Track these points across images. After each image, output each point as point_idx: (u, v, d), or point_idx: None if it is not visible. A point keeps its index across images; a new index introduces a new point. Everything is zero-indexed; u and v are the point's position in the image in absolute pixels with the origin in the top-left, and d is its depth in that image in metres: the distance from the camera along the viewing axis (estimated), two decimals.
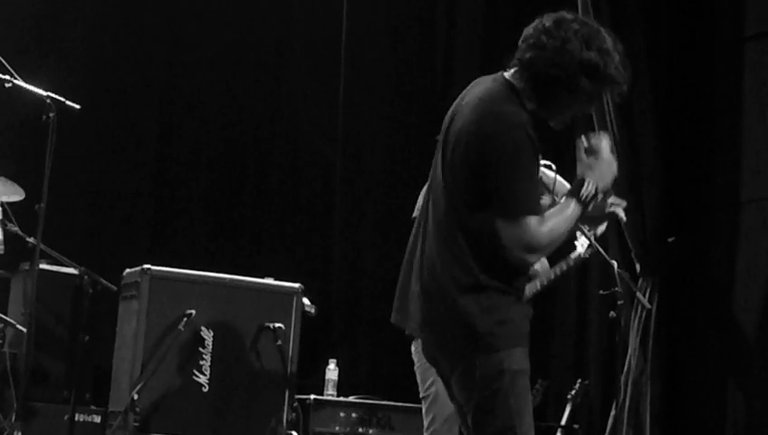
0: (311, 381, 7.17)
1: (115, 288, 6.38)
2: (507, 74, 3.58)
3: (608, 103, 6.84)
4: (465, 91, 3.67)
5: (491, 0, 8.37)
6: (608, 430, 6.65)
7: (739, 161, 6.70)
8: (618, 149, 6.82)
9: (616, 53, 3.55)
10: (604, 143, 3.62)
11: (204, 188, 8.52)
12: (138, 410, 5.97)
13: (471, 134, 3.48)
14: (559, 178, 4.31)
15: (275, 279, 6.56)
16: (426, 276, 3.61)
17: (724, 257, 6.69)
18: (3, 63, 5.53)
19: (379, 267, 8.37)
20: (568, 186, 3.73)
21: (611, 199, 3.83)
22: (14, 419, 5.62)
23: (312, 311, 6.53)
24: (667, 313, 6.76)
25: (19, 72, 5.55)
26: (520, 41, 3.56)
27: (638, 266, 6.81)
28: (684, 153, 6.90)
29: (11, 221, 6.09)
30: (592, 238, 5.37)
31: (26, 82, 5.56)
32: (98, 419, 6.51)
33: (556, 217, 3.51)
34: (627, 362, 6.70)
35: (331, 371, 7.09)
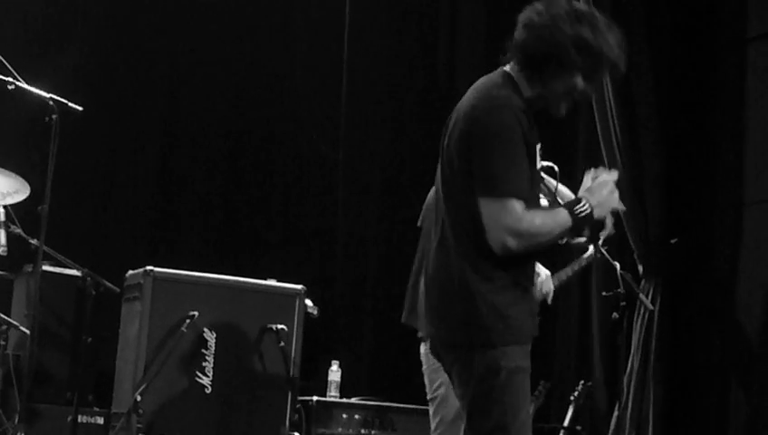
0: (313, 382, 7.18)
1: (118, 290, 6.38)
2: (506, 67, 3.61)
3: (610, 104, 6.84)
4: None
5: (493, 1, 8.37)
6: (611, 432, 6.65)
7: (742, 163, 6.70)
8: (620, 150, 6.83)
9: (611, 33, 3.53)
10: (611, 178, 3.61)
11: (207, 190, 8.53)
12: (140, 411, 5.97)
13: (462, 119, 3.51)
14: (561, 186, 4.28)
15: (278, 281, 6.56)
16: (428, 270, 3.63)
17: (727, 259, 6.69)
18: (5, 65, 5.53)
19: (381, 269, 8.38)
20: (571, 194, 3.72)
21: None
22: (17, 420, 5.62)
23: (315, 312, 6.52)
24: (670, 314, 6.76)
25: (22, 74, 5.55)
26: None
27: (640, 268, 6.81)
28: (686, 155, 6.91)
29: (14, 223, 6.09)
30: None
31: (29, 84, 5.56)
32: (101, 420, 6.50)
33: (545, 215, 3.49)
34: (629, 364, 6.70)
35: (334, 372, 7.10)
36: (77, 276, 6.42)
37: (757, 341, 6.45)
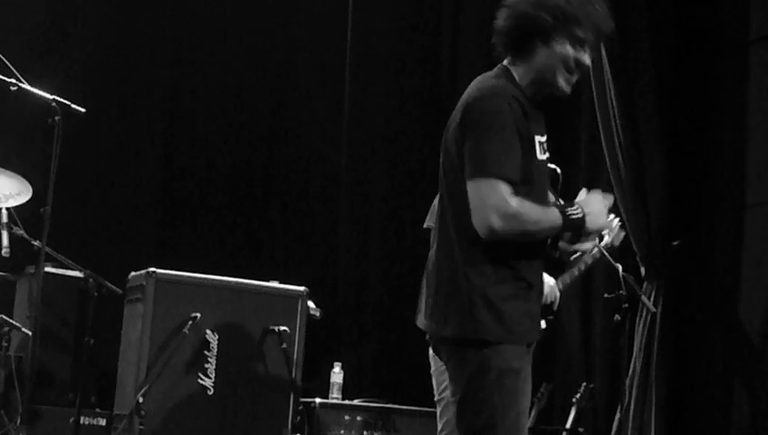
0: (316, 384, 7.18)
1: (120, 291, 6.39)
2: (504, 62, 3.65)
3: (612, 105, 6.84)
4: None
5: (496, 3, 8.36)
6: (613, 434, 6.65)
7: (744, 164, 6.70)
8: (623, 151, 6.83)
9: (594, 5, 3.53)
10: (606, 201, 3.58)
11: (209, 192, 8.54)
12: (143, 413, 5.96)
13: (458, 111, 3.53)
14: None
15: (280, 282, 6.56)
16: (429, 266, 3.63)
17: (729, 260, 6.68)
18: (8, 67, 5.53)
19: (383, 270, 8.38)
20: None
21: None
22: (19, 422, 5.62)
23: (317, 314, 6.52)
24: (672, 316, 6.76)
25: (24, 76, 5.56)
26: None
27: (642, 270, 6.81)
28: (688, 156, 6.91)
29: (16, 224, 6.10)
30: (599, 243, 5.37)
31: (32, 86, 5.56)
32: (103, 422, 6.50)
33: (537, 207, 3.43)
34: (632, 366, 6.70)
35: (336, 374, 7.10)
36: (79, 278, 6.43)
37: (759, 342, 6.45)
